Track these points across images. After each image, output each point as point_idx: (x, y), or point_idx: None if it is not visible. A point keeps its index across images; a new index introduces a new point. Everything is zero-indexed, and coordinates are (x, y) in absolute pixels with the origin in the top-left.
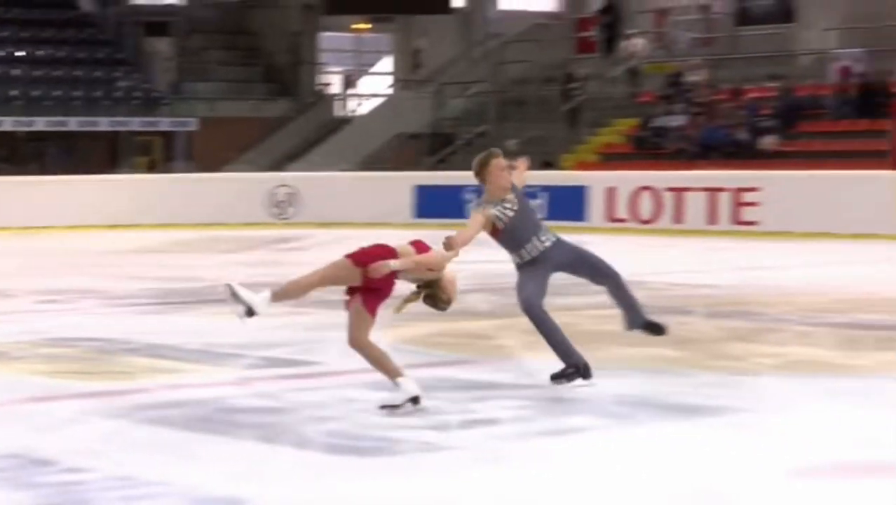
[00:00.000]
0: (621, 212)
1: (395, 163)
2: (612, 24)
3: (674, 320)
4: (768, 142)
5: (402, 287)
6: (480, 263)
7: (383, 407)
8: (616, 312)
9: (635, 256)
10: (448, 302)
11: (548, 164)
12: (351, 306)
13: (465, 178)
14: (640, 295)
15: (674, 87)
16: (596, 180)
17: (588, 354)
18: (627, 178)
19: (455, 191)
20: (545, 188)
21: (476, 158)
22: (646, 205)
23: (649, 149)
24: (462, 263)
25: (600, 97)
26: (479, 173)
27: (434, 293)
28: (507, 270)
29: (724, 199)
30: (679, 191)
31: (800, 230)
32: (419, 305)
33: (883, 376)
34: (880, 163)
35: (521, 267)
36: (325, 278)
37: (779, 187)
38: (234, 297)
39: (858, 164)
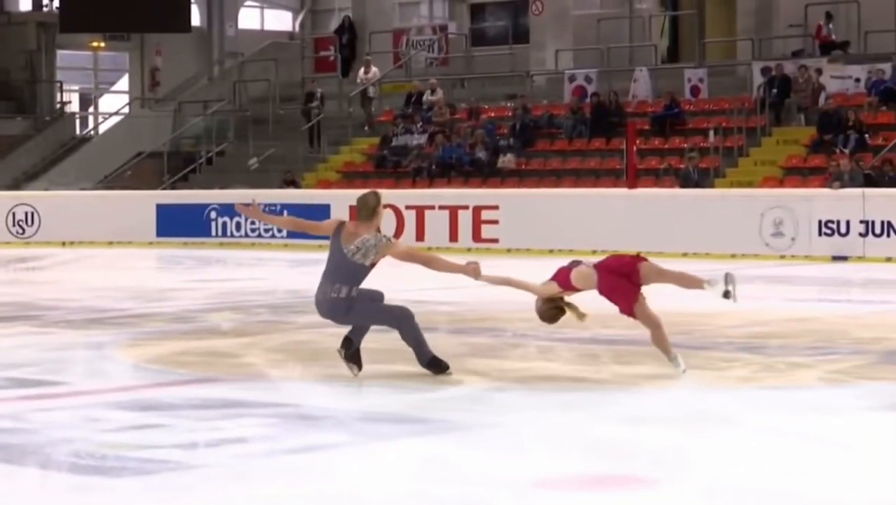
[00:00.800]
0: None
1: (136, 182)
2: (349, 44)
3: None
4: (506, 160)
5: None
6: (222, 282)
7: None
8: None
9: (377, 273)
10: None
11: (289, 183)
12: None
13: (208, 196)
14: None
15: (412, 107)
16: (338, 198)
17: (333, 370)
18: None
19: (197, 209)
20: (287, 206)
21: (371, 198)
22: (387, 223)
23: (389, 167)
24: (206, 282)
25: (340, 116)
26: (375, 212)
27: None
28: (248, 288)
29: (465, 217)
30: (420, 209)
31: (539, 247)
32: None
33: (622, 389)
34: (615, 181)
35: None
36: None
37: (517, 205)
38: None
39: (594, 182)
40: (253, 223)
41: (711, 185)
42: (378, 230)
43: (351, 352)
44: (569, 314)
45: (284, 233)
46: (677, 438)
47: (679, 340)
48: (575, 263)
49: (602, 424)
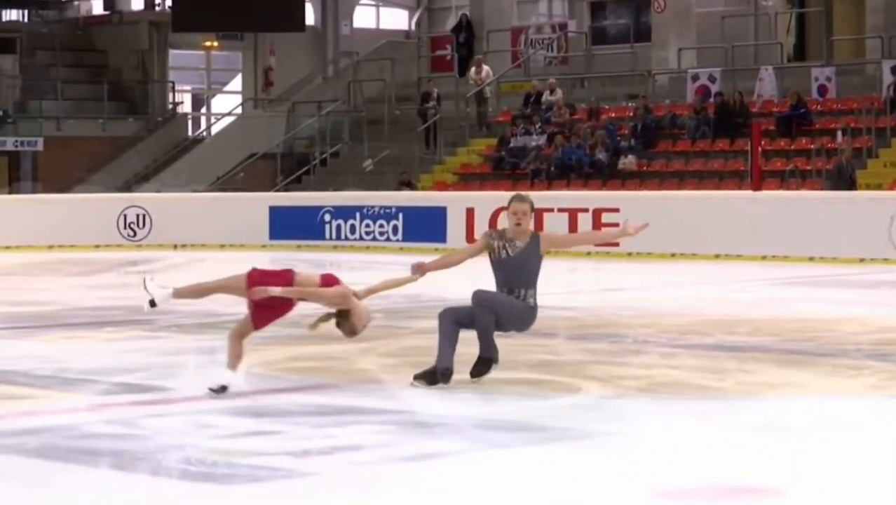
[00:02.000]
0: (480, 233)
1: (249, 183)
2: (466, 43)
3: (536, 343)
4: (627, 162)
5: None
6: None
7: (210, 390)
8: (467, 335)
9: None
10: (350, 333)
11: (405, 185)
12: (247, 311)
13: (321, 198)
14: None
15: (531, 107)
16: (454, 201)
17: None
18: (486, 199)
19: (311, 212)
20: (402, 209)
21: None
22: (505, 226)
23: (507, 169)
24: None
25: (456, 116)
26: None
27: (341, 322)
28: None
29: (584, 220)
30: (538, 211)
31: (660, 251)
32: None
33: (746, 397)
34: (739, 183)
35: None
36: (220, 287)
37: (638, 208)
38: (145, 288)
39: (717, 184)
40: (367, 224)
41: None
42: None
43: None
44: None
45: (400, 235)
46: (803, 447)
47: (805, 347)
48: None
49: (726, 433)
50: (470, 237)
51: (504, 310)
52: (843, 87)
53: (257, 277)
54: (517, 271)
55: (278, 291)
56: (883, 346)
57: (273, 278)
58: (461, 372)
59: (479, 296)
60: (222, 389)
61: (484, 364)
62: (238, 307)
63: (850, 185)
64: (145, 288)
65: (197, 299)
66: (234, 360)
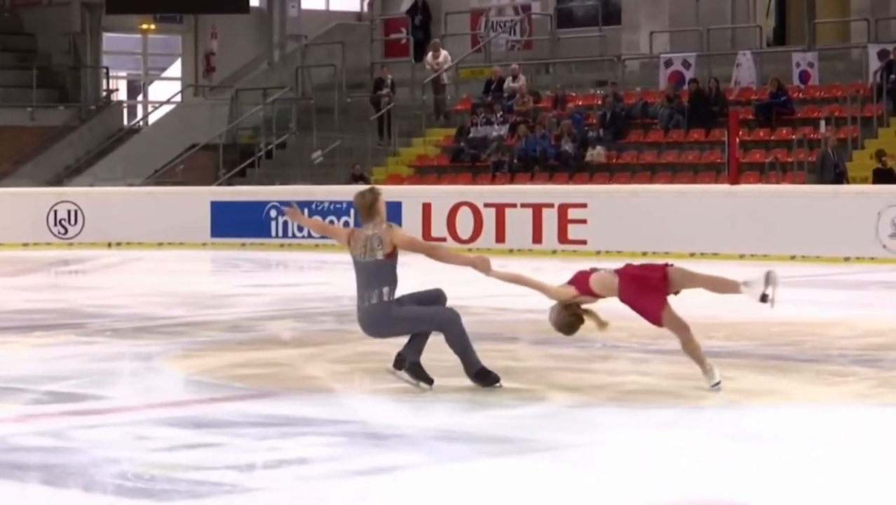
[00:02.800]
0: (438, 230)
1: (189, 177)
2: (423, 26)
3: (497, 348)
4: (595, 154)
5: None
6: (283, 287)
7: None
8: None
9: (454, 278)
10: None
11: (357, 178)
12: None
13: (267, 193)
14: (463, 321)
15: (492, 95)
16: (409, 195)
17: (404, 385)
18: (444, 193)
19: (256, 207)
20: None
21: (368, 195)
22: (464, 222)
23: (466, 161)
24: (265, 287)
25: (412, 105)
26: (374, 209)
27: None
28: (311, 294)
29: (549, 216)
30: (500, 207)
31: (631, 249)
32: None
33: (723, 406)
34: (715, 176)
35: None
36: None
37: (608, 203)
38: None
39: (692, 177)
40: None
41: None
42: (381, 223)
43: (408, 365)
44: (589, 323)
45: None
46: (783, 460)
47: (787, 353)
48: (594, 269)
49: (701, 445)
50: (426, 234)
51: None
52: (827, 74)
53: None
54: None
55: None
56: (870, 351)
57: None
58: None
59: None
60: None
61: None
62: (177, 309)
63: (837, 177)
64: None
65: None
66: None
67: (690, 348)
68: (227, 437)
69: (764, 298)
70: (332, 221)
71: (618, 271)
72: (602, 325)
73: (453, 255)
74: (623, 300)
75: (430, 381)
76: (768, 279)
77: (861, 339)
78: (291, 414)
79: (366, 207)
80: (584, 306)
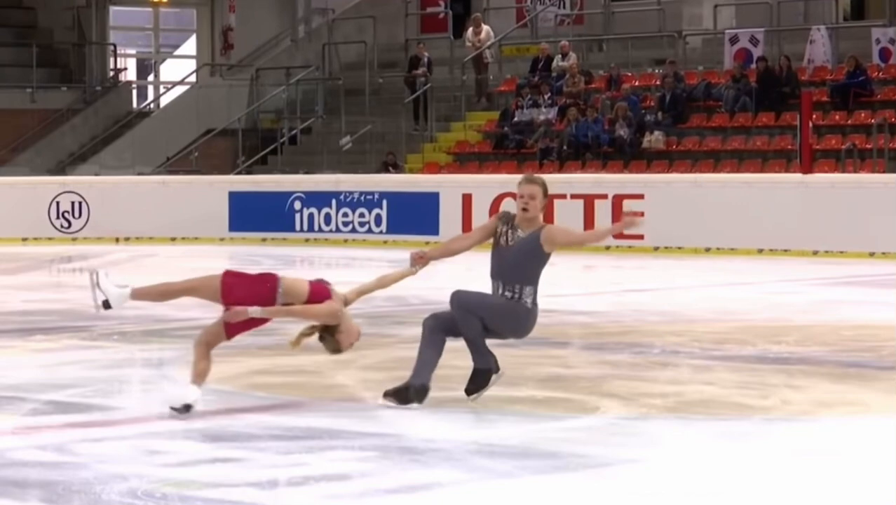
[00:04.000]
0: (480, 223)
1: (205, 165)
2: None
3: (545, 354)
4: (653, 139)
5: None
6: None
7: (173, 409)
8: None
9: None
10: (334, 351)
11: (390, 167)
12: (222, 314)
13: (290, 183)
14: None
15: (539, 74)
16: (448, 185)
17: (442, 394)
18: (486, 183)
19: (278, 198)
20: (386, 195)
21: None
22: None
23: (511, 148)
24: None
25: (451, 86)
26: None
27: (325, 337)
28: None
29: (602, 208)
30: (549, 197)
31: (692, 245)
32: None
33: (790, 418)
34: (786, 164)
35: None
36: (188, 289)
37: (667, 194)
38: (96, 286)
39: (760, 165)
40: (345, 213)
41: None
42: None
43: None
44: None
45: (383, 227)
46: (863, 478)
47: (865, 360)
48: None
49: (768, 461)
50: (467, 228)
51: (491, 312)
52: None
53: (231, 282)
54: (513, 264)
55: (258, 312)
56: None
57: (252, 285)
58: (457, 389)
59: (457, 298)
60: (186, 409)
61: (481, 377)
62: (193, 311)
63: None
64: (97, 285)
65: (158, 302)
66: (200, 374)
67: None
68: (247, 451)
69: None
70: (361, 214)
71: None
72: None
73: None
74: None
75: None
76: None
77: None
78: (318, 426)
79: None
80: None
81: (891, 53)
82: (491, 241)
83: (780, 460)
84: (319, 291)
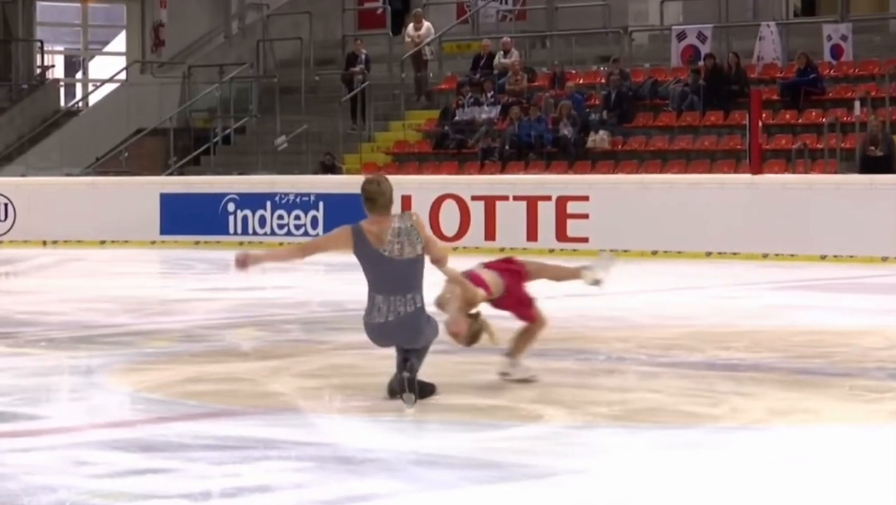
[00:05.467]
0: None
1: (136, 166)
2: None
3: (487, 361)
4: (598, 139)
5: None
6: (242, 291)
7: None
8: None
9: (438, 281)
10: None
11: (327, 167)
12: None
13: (224, 184)
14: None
15: (480, 72)
16: None
17: (380, 402)
18: (426, 184)
19: (211, 200)
20: (323, 196)
21: (386, 185)
22: (449, 217)
23: (451, 148)
24: (223, 291)
25: (390, 84)
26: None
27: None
28: (275, 299)
29: (546, 211)
30: (490, 199)
31: (638, 248)
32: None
33: (739, 426)
34: (735, 165)
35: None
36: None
37: (612, 195)
38: None
39: (708, 166)
40: (281, 216)
41: None
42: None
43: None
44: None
45: (320, 229)
46: (813, 487)
47: (816, 366)
48: (473, 270)
49: (718, 471)
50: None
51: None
52: (862, 48)
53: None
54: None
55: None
56: None
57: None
58: (397, 398)
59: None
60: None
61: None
62: (121, 317)
63: (886, 164)
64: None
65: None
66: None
67: (529, 337)
68: (178, 461)
69: (596, 283)
70: (297, 217)
71: (496, 269)
72: (494, 336)
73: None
74: (508, 299)
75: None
76: (602, 262)
77: None
78: (252, 435)
79: (386, 198)
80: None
81: (843, 50)
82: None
83: (730, 471)
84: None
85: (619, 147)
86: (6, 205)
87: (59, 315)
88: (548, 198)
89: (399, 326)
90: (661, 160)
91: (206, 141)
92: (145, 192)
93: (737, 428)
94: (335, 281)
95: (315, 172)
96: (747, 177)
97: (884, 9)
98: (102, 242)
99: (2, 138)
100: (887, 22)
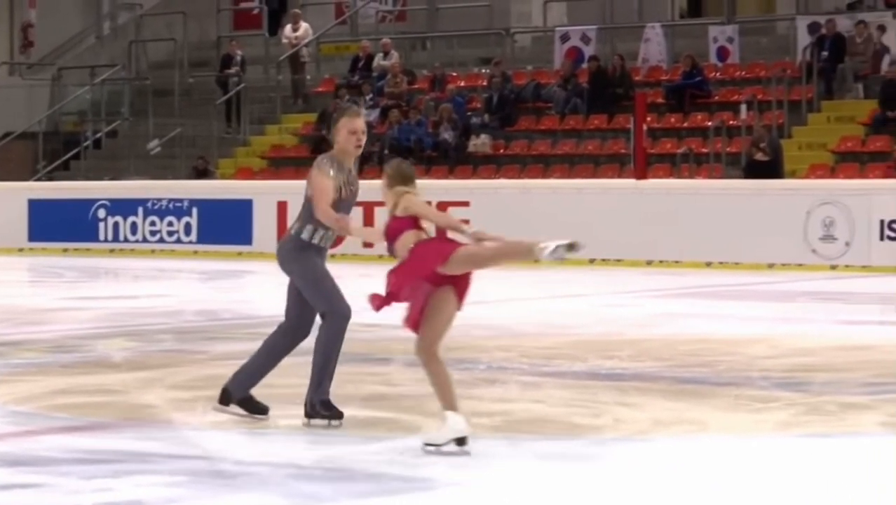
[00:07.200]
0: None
1: (2, 171)
2: None
3: (367, 371)
4: (479, 143)
5: None
6: (114, 300)
7: (426, 445)
8: (285, 362)
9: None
10: None
11: (200, 172)
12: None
13: (94, 189)
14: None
15: (359, 74)
16: (262, 192)
17: (259, 415)
18: (302, 190)
19: (81, 206)
20: (197, 202)
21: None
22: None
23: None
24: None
25: (266, 86)
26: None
27: None
28: (147, 308)
29: None
30: (368, 205)
31: None
32: None
33: (622, 438)
34: (619, 170)
35: (306, 248)
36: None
37: (494, 200)
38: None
39: (592, 171)
40: (153, 222)
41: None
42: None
43: (237, 400)
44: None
45: (193, 236)
46: (699, 500)
47: (701, 375)
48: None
49: (601, 483)
50: (282, 237)
51: None
52: (749, 50)
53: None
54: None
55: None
56: (796, 372)
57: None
58: (274, 409)
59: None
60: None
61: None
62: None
63: (771, 169)
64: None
65: None
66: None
67: None
68: (47, 476)
69: (571, 247)
70: (170, 223)
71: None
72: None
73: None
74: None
75: (265, 410)
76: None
77: (786, 358)
78: (124, 449)
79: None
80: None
81: (728, 53)
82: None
83: (612, 484)
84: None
85: (501, 151)
86: None
87: None
88: (427, 202)
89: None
90: (544, 165)
91: (76, 145)
92: (13, 197)
93: (620, 439)
94: (209, 290)
95: (188, 177)
96: (632, 182)
97: (770, 10)
98: None
99: None
100: (774, 24)
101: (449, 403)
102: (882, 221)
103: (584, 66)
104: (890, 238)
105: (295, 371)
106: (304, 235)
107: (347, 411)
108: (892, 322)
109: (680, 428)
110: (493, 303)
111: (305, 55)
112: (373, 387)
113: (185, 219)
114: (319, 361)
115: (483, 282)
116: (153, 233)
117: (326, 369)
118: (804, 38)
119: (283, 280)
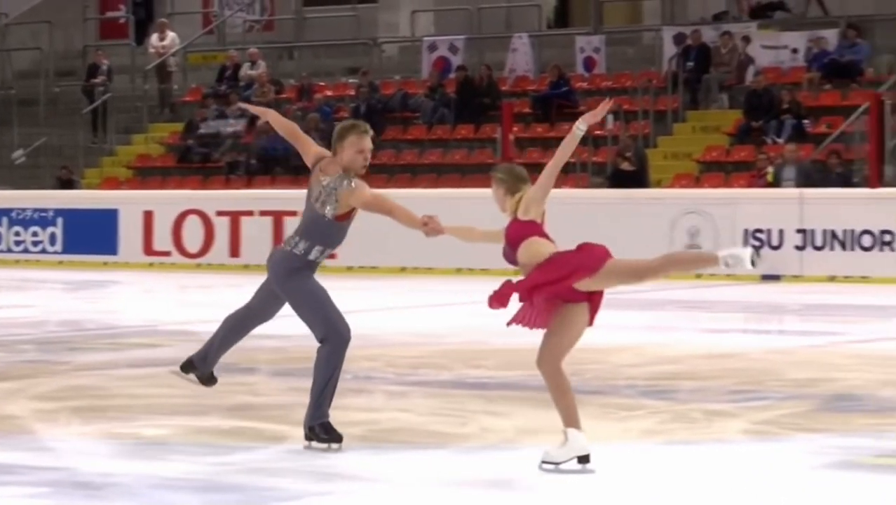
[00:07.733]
0: (161, 242)
1: None
2: (145, 2)
3: (234, 381)
4: None
5: None
6: None
7: (544, 462)
8: (150, 372)
9: (178, 299)
10: None
11: (65, 182)
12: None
13: None
14: (170, 351)
15: (226, 84)
16: (128, 202)
17: (120, 425)
18: (169, 199)
19: None
20: (62, 212)
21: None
22: (193, 233)
23: (196, 162)
24: None
25: (132, 95)
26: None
27: None
28: (10, 319)
29: (293, 225)
30: (235, 215)
31: (387, 265)
32: None
33: (492, 448)
34: (486, 180)
35: (306, 267)
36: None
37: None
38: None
39: (459, 180)
40: (17, 232)
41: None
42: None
43: (203, 376)
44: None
45: (58, 246)
46: None
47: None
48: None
49: (467, 492)
50: (147, 247)
51: None
52: (616, 61)
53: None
54: None
55: None
56: (661, 381)
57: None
58: (138, 420)
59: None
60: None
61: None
62: None
63: (637, 179)
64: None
65: None
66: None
67: None
68: None
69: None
70: (34, 233)
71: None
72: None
73: (409, 216)
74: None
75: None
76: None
77: (652, 367)
78: None
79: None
80: None
81: (595, 63)
82: None
83: (476, 492)
84: None
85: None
86: None
87: None
88: (294, 213)
89: (272, 255)
90: (411, 174)
91: None
92: None
93: (486, 448)
94: (74, 300)
95: (53, 187)
96: None
97: (637, 21)
98: None
99: None
100: (640, 34)
101: (571, 420)
102: (746, 231)
103: (452, 75)
104: (754, 247)
105: (159, 381)
106: (312, 256)
107: (211, 421)
108: (755, 330)
109: (546, 437)
110: (360, 312)
111: (172, 64)
112: (239, 397)
113: (51, 229)
114: (319, 383)
115: (348, 292)
116: (18, 243)
117: (325, 392)
118: (670, 49)
119: (148, 291)
